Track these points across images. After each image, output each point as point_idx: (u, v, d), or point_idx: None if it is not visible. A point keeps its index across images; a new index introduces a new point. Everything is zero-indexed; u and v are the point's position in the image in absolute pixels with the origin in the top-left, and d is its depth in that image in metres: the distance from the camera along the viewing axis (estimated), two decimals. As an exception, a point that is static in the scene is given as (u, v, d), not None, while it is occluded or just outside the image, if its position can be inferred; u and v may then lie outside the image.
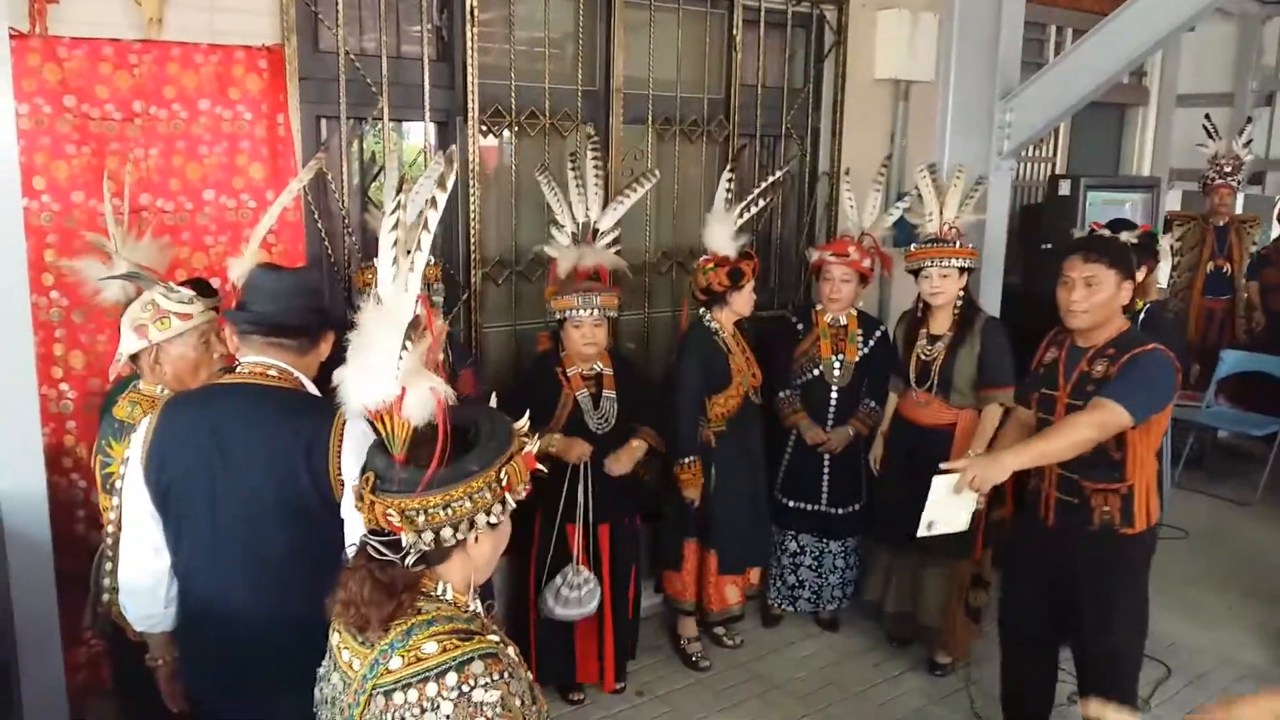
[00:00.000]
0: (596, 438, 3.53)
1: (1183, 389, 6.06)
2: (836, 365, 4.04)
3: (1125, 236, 3.69)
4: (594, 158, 3.63)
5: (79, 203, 2.97)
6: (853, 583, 4.28)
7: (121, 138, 3.04)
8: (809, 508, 4.14)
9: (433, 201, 1.53)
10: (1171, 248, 6.55)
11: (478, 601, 1.60)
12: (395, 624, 1.47)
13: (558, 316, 3.49)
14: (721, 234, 3.78)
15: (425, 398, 1.49)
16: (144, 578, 2.16)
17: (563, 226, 3.63)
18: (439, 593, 1.53)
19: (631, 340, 4.40)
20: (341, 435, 2.01)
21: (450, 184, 1.55)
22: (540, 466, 1.56)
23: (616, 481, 3.58)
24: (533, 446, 1.53)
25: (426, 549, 1.48)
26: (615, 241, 3.69)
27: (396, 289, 1.56)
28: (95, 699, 3.10)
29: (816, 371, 4.06)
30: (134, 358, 2.46)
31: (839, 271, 3.97)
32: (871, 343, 4.10)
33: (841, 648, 4.21)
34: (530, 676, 1.57)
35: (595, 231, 3.63)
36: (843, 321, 4.07)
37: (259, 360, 2.13)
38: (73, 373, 3.03)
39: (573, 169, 3.63)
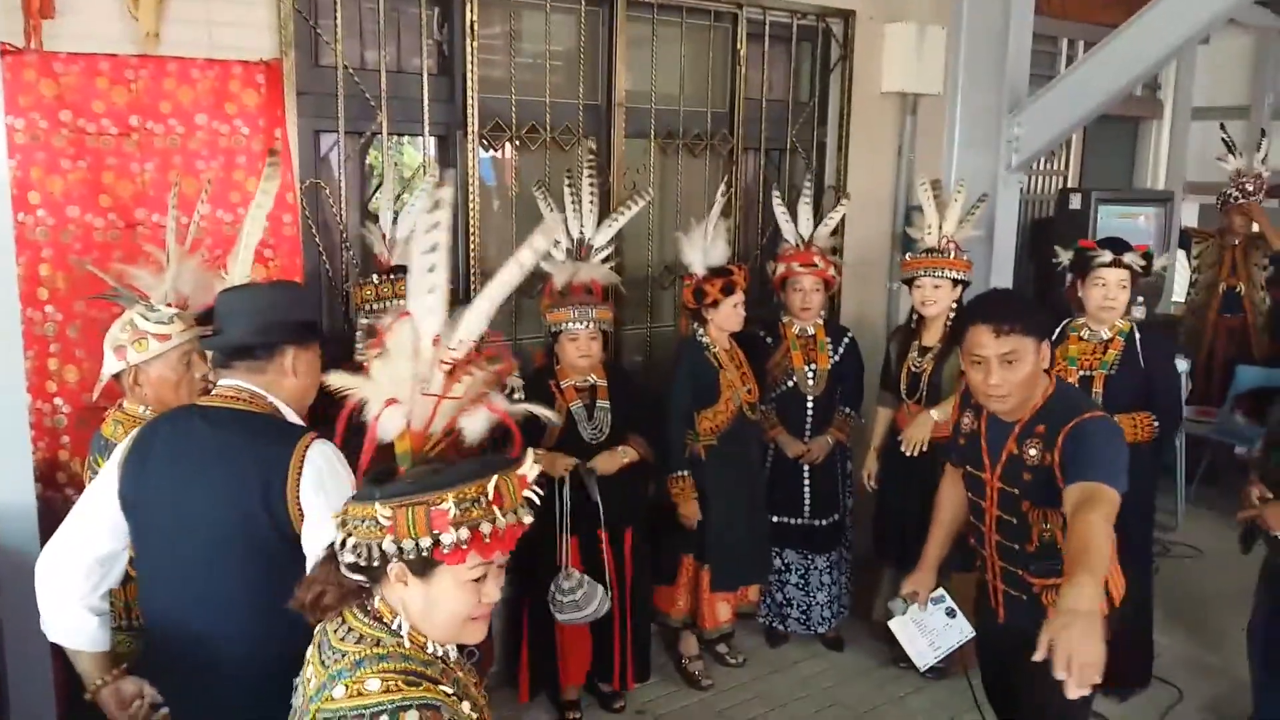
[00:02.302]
0: (590, 448, 3.53)
1: (1199, 404, 6.03)
2: (810, 375, 4.04)
3: (1129, 258, 3.63)
4: (589, 174, 3.64)
5: (74, 217, 2.97)
6: (839, 599, 4.24)
7: (118, 152, 3.04)
8: (792, 521, 4.11)
9: (433, 239, 1.55)
10: (1190, 264, 6.48)
11: (451, 649, 1.56)
12: (348, 651, 1.45)
13: (553, 330, 3.50)
14: (693, 251, 3.78)
15: (393, 415, 1.49)
16: (62, 565, 2.08)
17: (558, 242, 3.62)
18: (395, 627, 1.49)
19: (633, 354, 4.37)
20: (302, 463, 1.96)
21: (443, 210, 1.56)
22: (459, 535, 1.41)
23: (631, 488, 3.59)
24: (449, 506, 1.40)
25: (356, 561, 1.45)
26: (610, 257, 3.71)
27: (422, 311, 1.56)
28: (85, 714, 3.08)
29: (791, 383, 4.05)
30: (116, 377, 2.44)
31: (809, 282, 3.97)
32: (841, 349, 4.10)
33: (846, 667, 4.15)
34: None
35: (589, 247, 3.65)
36: (810, 331, 4.07)
37: (231, 384, 2.11)
38: (67, 387, 3.02)
39: (569, 185, 3.64)
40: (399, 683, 1.41)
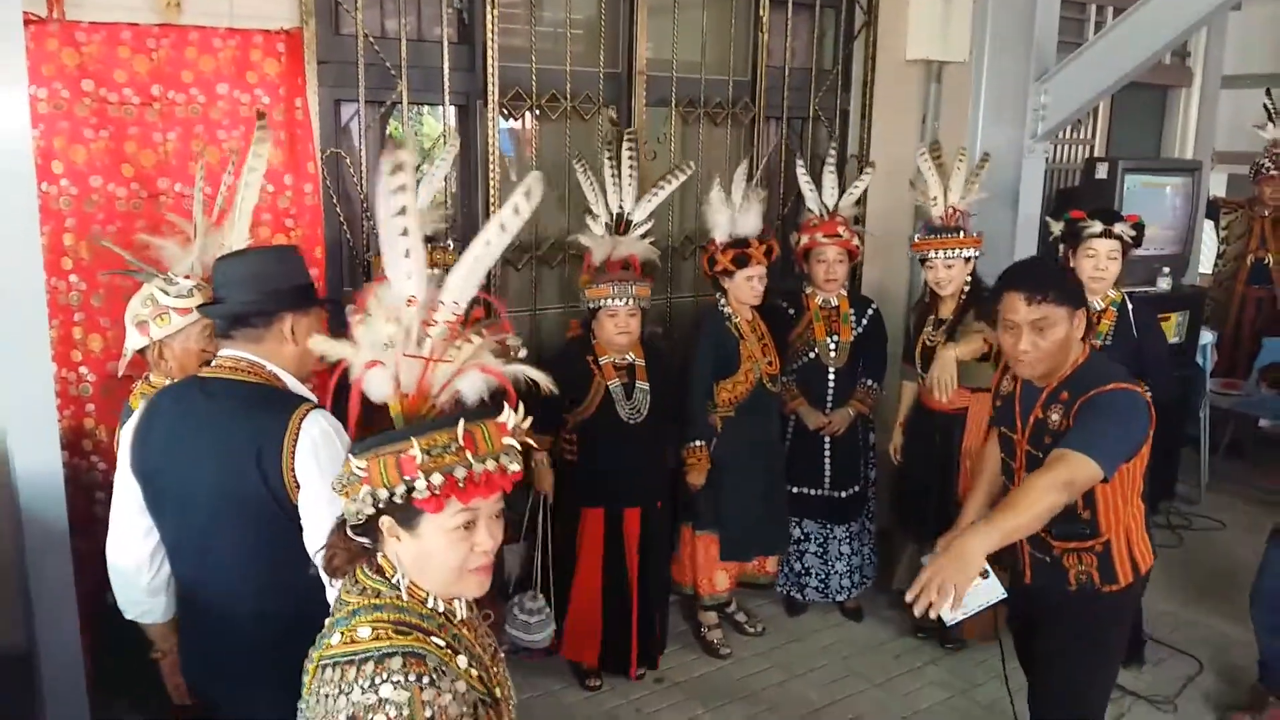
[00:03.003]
0: (627, 428, 3.54)
1: (1224, 377, 5.97)
2: (832, 347, 4.02)
3: (1119, 229, 3.58)
4: (630, 148, 3.62)
5: (97, 187, 2.98)
6: (860, 569, 4.24)
7: (140, 122, 3.05)
8: (812, 492, 4.10)
9: (400, 202, 1.52)
10: (1218, 235, 6.39)
11: (460, 604, 1.58)
12: (350, 602, 1.50)
13: (591, 305, 3.48)
14: (718, 217, 3.75)
15: (378, 378, 1.49)
16: (127, 561, 2.18)
17: (597, 216, 3.62)
18: (394, 581, 1.51)
19: (653, 325, 4.36)
20: (298, 434, 1.97)
21: (406, 172, 1.53)
22: (425, 479, 1.42)
23: (645, 465, 3.60)
24: (415, 451, 1.42)
25: (354, 520, 1.48)
26: (647, 232, 3.69)
27: (398, 275, 1.54)
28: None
29: (812, 355, 4.03)
30: (141, 351, 2.46)
31: (833, 253, 3.94)
32: (865, 321, 4.08)
33: (864, 638, 4.16)
34: (488, 695, 1.54)
35: (629, 222, 3.63)
36: (834, 303, 4.04)
37: (230, 354, 2.12)
38: (91, 356, 3.06)
39: (610, 158, 3.62)
40: (389, 630, 1.45)
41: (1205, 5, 4.06)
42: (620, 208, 3.63)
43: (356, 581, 1.54)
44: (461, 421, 1.45)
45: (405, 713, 1.38)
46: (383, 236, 1.54)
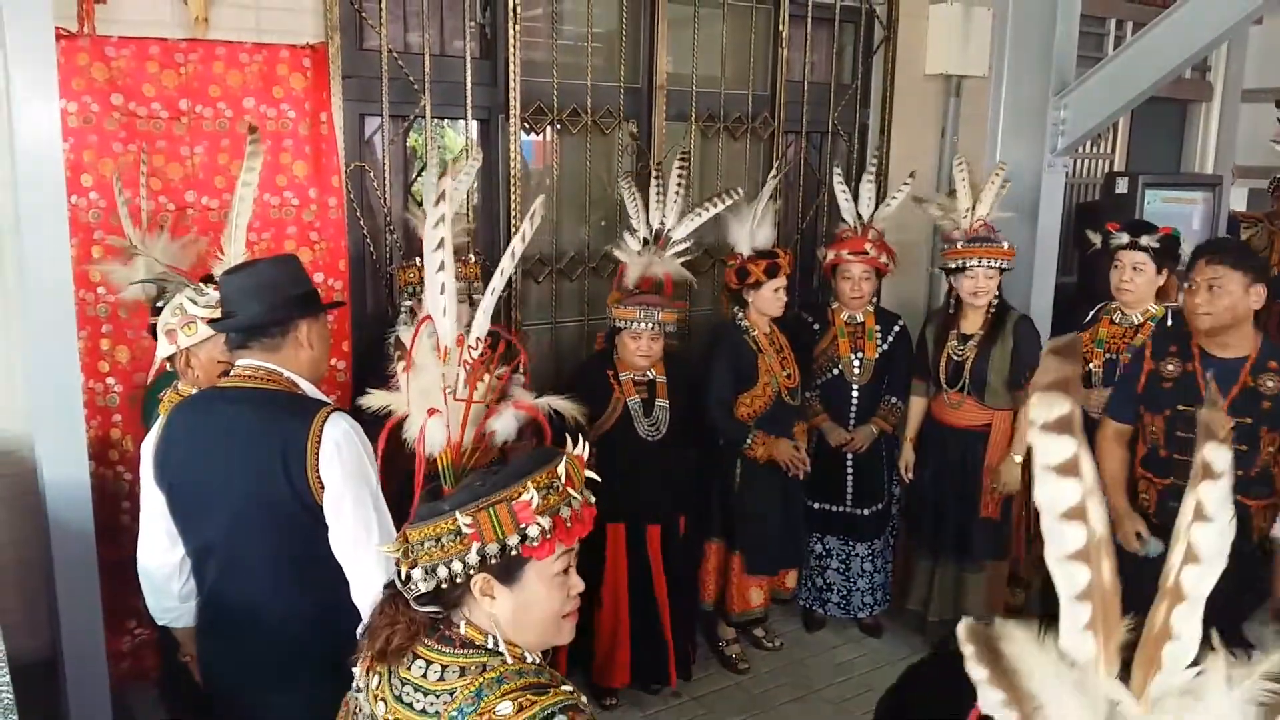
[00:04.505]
0: (645, 444, 3.54)
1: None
2: (856, 363, 4.00)
3: (1145, 240, 3.57)
4: (680, 165, 3.65)
5: (127, 200, 3.02)
6: (882, 587, 4.22)
7: (168, 135, 3.09)
8: (834, 509, 4.09)
9: (438, 235, 1.52)
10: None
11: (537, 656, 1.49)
12: (456, 687, 1.36)
13: (617, 325, 3.49)
14: (740, 231, 3.76)
15: (436, 427, 1.48)
16: (156, 569, 2.23)
17: (636, 231, 3.63)
18: (490, 645, 1.40)
19: (669, 338, 4.37)
20: (320, 436, 2.00)
21: (446, 204, 1.53)
22: (541, 521, 1.36)
23: (664, 482, 3.59)
24: (531, 495, 1.35)
25: (427, 588, 1.37)
26: (685, 251, 3.69)
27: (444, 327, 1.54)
28: (138, 688, 3.16)
29: (836, 371, 4.01)
30: (170, 360, 2.49)
31: (859, 270, 3.92)
32: (890, 338, 4.04)
33: (883, 654, 4.14)
34: None
35: (668, 239, 3.64)
36: (859, 319, 4.02)
37: (247, 364, 2.14)
38: (119, 367, 3.09)
39: (656, 177, 3.65)
40: (528, 696, 1.32)
41: (1225, 20, 4.06)
42: (661, 223, 3.65)
43: (439, 666, 1.40)
44: (564, 459, 1.39)
45: None
46: (428, 288, 1.54)
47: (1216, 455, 0.80)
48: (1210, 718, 0.76)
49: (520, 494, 1.35)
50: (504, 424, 1.49)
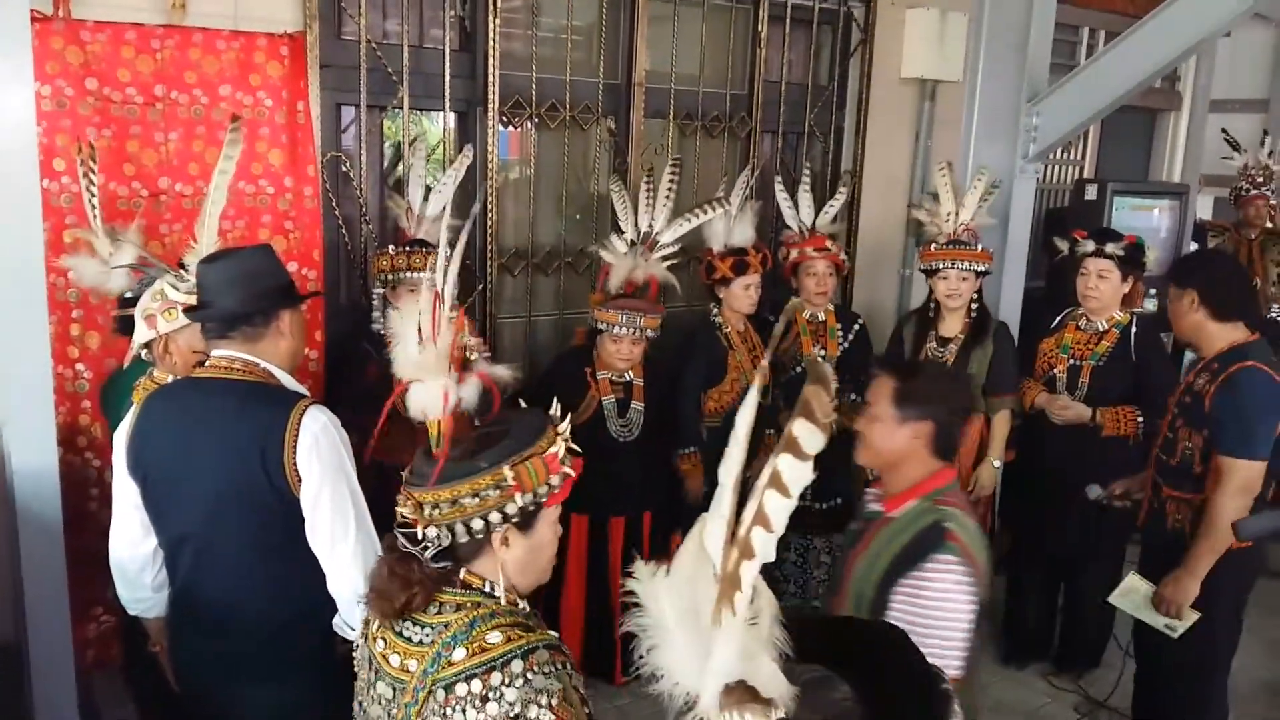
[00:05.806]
0: (616, 444, 3.56)
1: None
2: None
3: (1111, 248, 3.63)
4: (672, 169, 3.67)
5: (99, 185, 2.99)
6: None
7: (142, 121, 3.06)
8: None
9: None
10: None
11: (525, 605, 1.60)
12: (452, 620, 1.47)
13: (599, 327, 3.49)
14: (715, 229, 3.80)
15: (434, 393, 1.52)
16: (129, 560, 2.22)
17: (624, 233, 3.65)
18: (488, 590, 1.52)
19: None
20: (298, 429, 2.00)
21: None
22: (567, 469, 1.53)
23: (632, 480, 3.61)
24: (558, 448, 1.51)
25: (444, 544, 1.48)
26: (671, 255, 3.71)
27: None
28: (103, 675, 3.15)
29: (799, 369, 4.04)
30: (147, 346, 2.48)
31: (822, 266, 3.97)
32: (851, 336, 4.10)
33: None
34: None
35: (655, 242, 3.66)
36: (820, 317, 4.07)
37: (224, 354, 2.14)
38: (89, 353, 3.06)
39: (647, 180, 3.67)
40: (517, 631, 1.45)
41: (1196, 33, 4.13)
42: (650, 226, 3.66)
43: (440, 603, 1.51)
44: (567, 416, 1.58)
45: (560, 701, 1.40)
46: (438, 272, 1.59)
47: (803, 431, 1.00)
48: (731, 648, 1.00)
49: (548, 446, 1.50)
50: (469, 392, 1.55)
